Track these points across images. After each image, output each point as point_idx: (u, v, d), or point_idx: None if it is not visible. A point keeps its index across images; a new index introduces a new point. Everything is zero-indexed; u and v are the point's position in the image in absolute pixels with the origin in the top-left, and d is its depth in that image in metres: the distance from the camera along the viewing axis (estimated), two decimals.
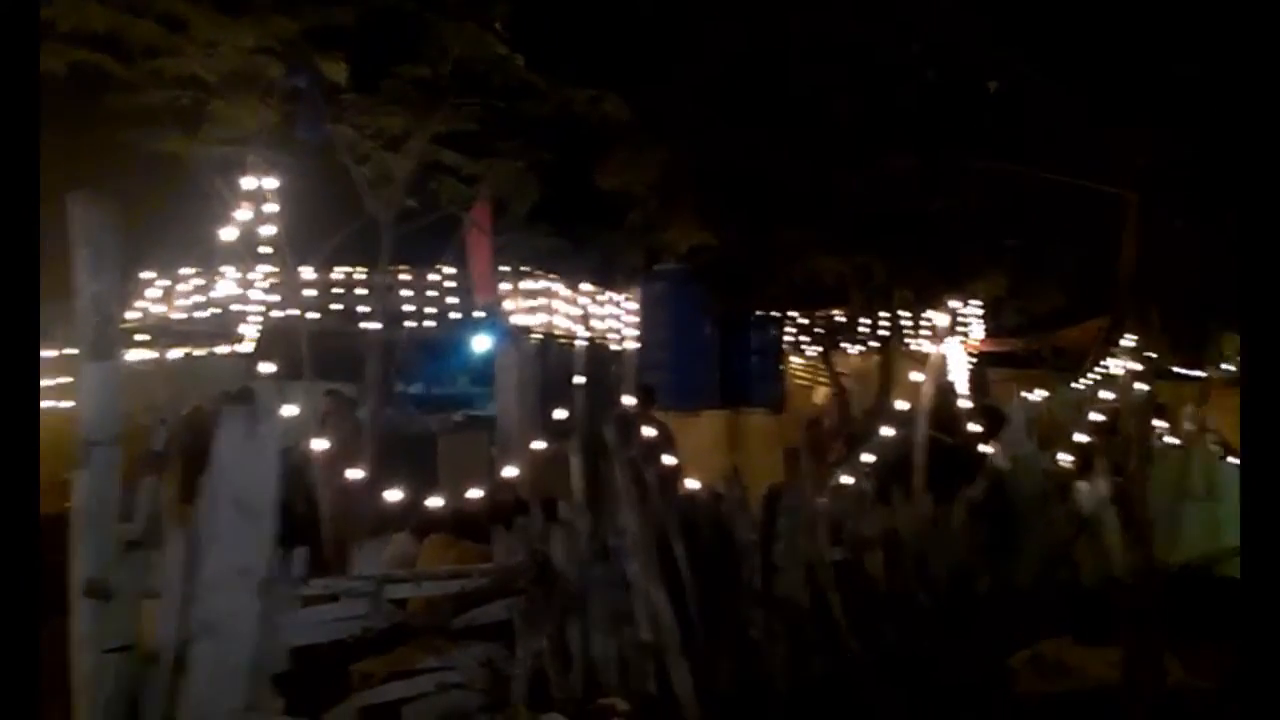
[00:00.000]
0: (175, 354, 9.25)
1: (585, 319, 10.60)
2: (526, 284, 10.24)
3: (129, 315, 8.06)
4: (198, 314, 8.95)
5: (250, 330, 8.62)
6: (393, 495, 5.84)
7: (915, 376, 7.30)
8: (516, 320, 9.92)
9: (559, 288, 10.49)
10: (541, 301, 10.25)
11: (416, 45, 6.46)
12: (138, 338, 8.04)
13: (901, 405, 7.18)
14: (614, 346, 10.84)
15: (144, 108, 5.36)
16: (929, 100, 9.84)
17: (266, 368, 5.74)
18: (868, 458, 6.52)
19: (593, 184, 10.50)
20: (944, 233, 10.28)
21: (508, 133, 7.85)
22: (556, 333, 10.36)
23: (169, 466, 4.56)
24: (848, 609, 5.42)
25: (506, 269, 9.95)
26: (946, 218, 10.20)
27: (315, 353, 6.63)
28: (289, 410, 4.91)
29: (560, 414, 6.85)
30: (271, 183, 5.71)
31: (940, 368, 7.65)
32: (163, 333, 8.76)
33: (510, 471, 6.30)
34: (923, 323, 12.01)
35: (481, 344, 10.59)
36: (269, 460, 4.25)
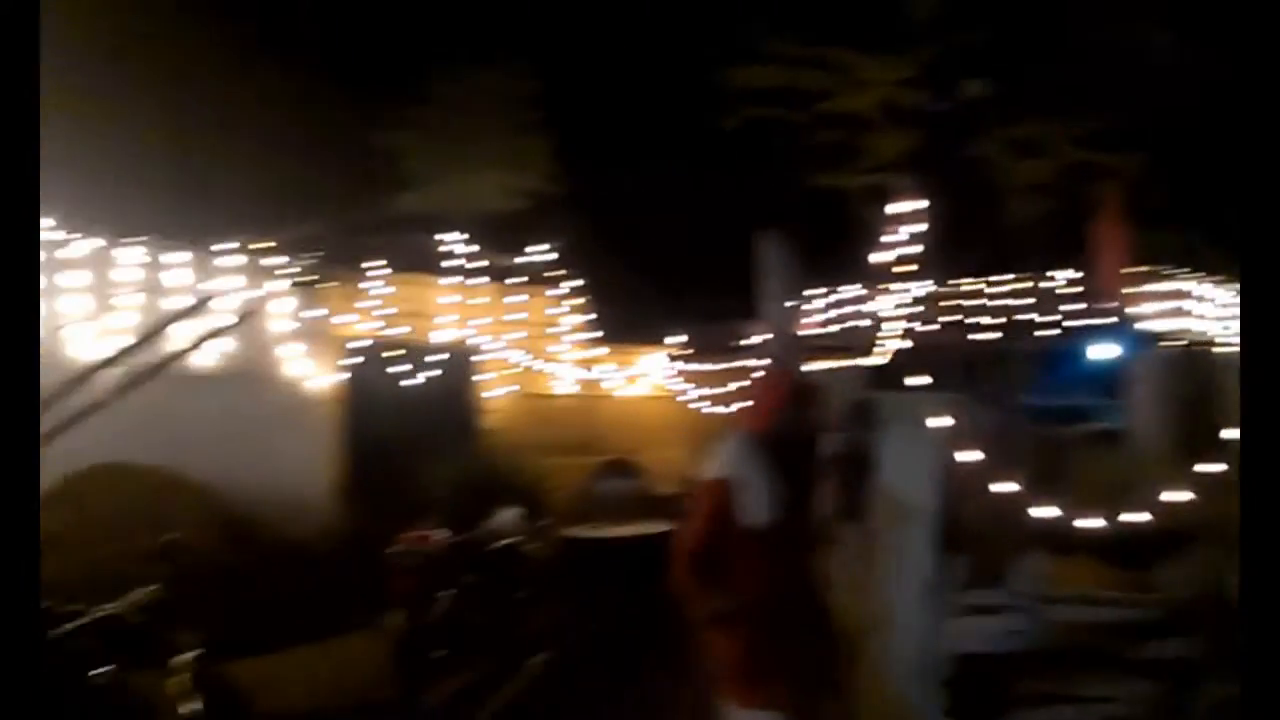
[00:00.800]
0: (819, 366, 10.16)
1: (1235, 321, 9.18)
2: (1162, 285, 9.21)
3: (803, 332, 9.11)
4: (837, 327, 9.76)
5: (887, 344, 9.12)
6: (1032, 510, 5.69)
7: None
8: (1150, 325, 8.98)
9: (1200, 288, 9.25)
10: (1180, 304, 9.13)
11: (1053, 50, 6.23)
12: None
13: None
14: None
15: (806, 148, 6.03)
16: None
17: (903, 379, 6.04)
18: None
19: (1238, 167, 9.03)
20: None
21: (1142, 122, 7.18)
22: (1199, 338, 9.15)
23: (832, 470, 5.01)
24: None
25: (1138, 270, 9.07)
26: None
27: (943, 363, 6.77)
28: (935, 421, 5.08)
29: (1227, 432, 6.03)
30: (915, 204, 5.99)
31: None
32: (810, 347, 9.67)
33: (1174, 495, 5.73)
34: None
35: (1108, 351, 9.77)
36: (928, 468, 4.46)
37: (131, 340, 5.98)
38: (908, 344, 8.54)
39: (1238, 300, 9.35)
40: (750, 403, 3.28)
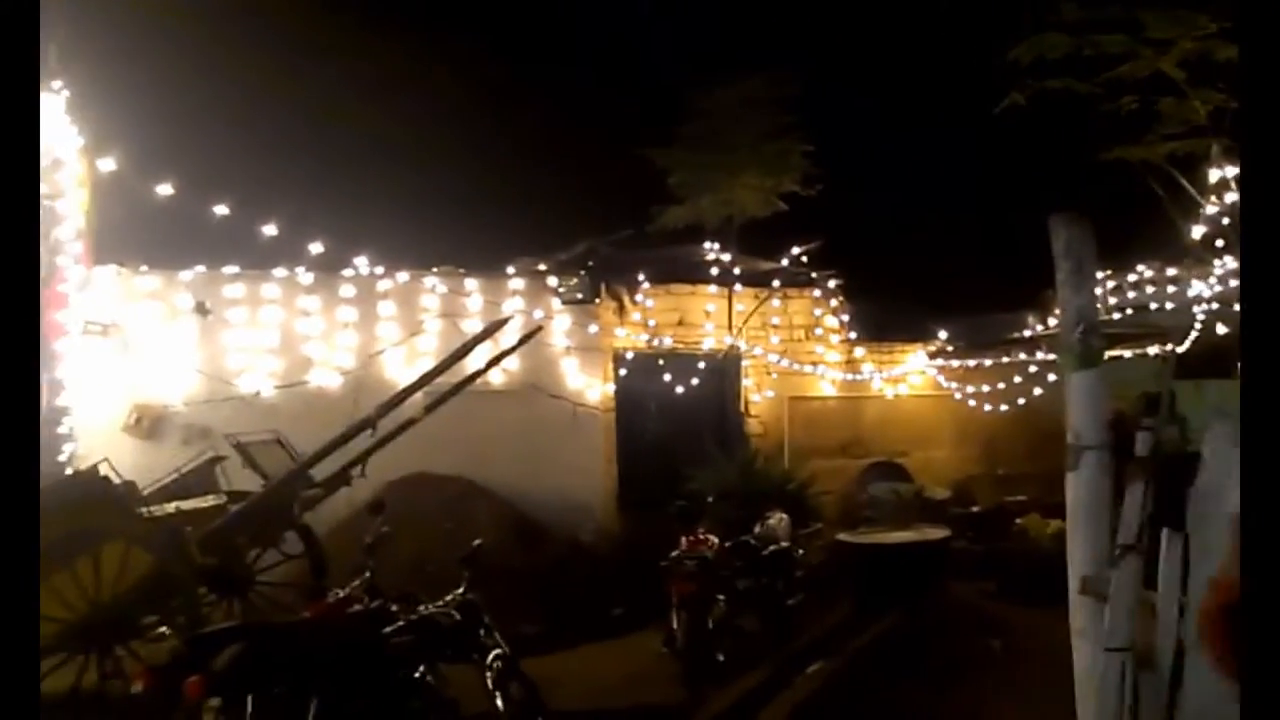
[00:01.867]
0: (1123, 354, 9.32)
1: None
2: None
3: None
4: (1129, 313, 8.91)
5: (1201, 328, 8.17)
6: None
7: None
8: None
9: None
10: None
11: None
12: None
13: None
14: None
15: (1097, 119, 5.51)
16: None
17: (1219, 366, 5.34)
18: None
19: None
20: None
21: None
22: None
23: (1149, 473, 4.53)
24: None
25: None
26: None
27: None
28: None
29: None
30: (1228, 170, 5.31)
31: None
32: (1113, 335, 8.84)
33: None
34: None
35: None
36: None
37: (434, 363, 6.56)
38: (1223, 327, 7.58)
39: None
40: None
